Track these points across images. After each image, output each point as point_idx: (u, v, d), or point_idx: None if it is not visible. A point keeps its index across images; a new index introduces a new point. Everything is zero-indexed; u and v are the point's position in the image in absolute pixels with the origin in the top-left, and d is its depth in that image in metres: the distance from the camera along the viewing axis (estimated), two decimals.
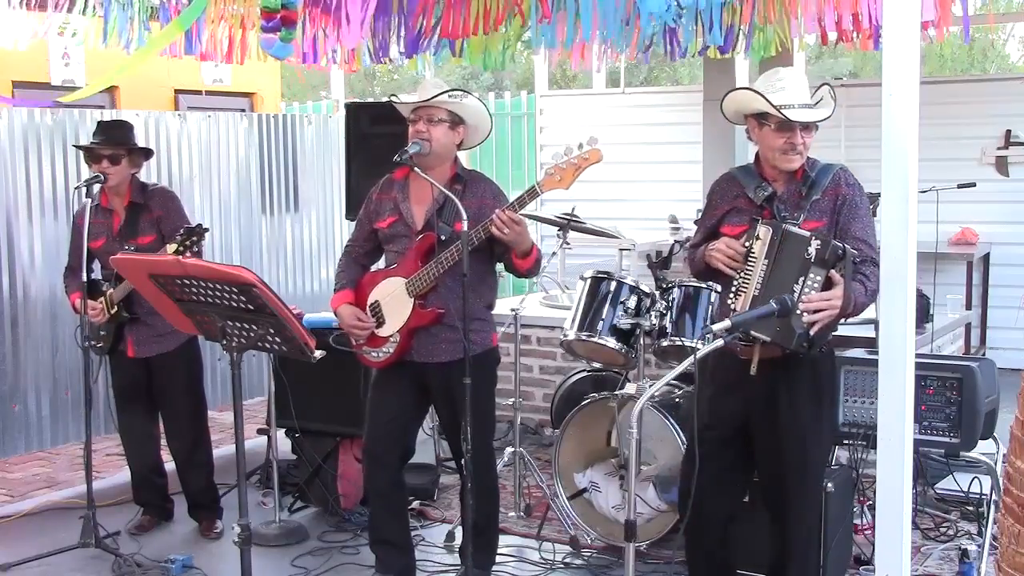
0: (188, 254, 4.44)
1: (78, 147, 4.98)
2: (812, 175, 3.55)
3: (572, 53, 5.73)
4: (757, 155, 3.68)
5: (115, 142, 4.79)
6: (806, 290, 3.31)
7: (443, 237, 3.96)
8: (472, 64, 6.02)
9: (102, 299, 4.77)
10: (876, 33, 4.67)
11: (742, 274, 3.45)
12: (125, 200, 4.84)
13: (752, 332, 3.30)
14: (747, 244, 3.47)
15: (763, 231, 3.43)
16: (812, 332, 3.32)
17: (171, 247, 4.49)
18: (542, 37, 5.47)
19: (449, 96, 3.96)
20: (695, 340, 4.39)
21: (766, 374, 3.41)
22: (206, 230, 4.57)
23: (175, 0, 5.69)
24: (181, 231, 4.53)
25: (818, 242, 3.32)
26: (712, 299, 4.47)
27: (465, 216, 3.76)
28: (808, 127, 3.49)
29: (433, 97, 3.94)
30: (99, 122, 5.01)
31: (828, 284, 3.32)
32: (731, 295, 3.48)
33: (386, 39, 5.62)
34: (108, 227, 4.83)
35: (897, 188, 2.92)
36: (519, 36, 5.69)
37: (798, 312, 3.27)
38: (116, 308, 4.74)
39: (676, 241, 5.74)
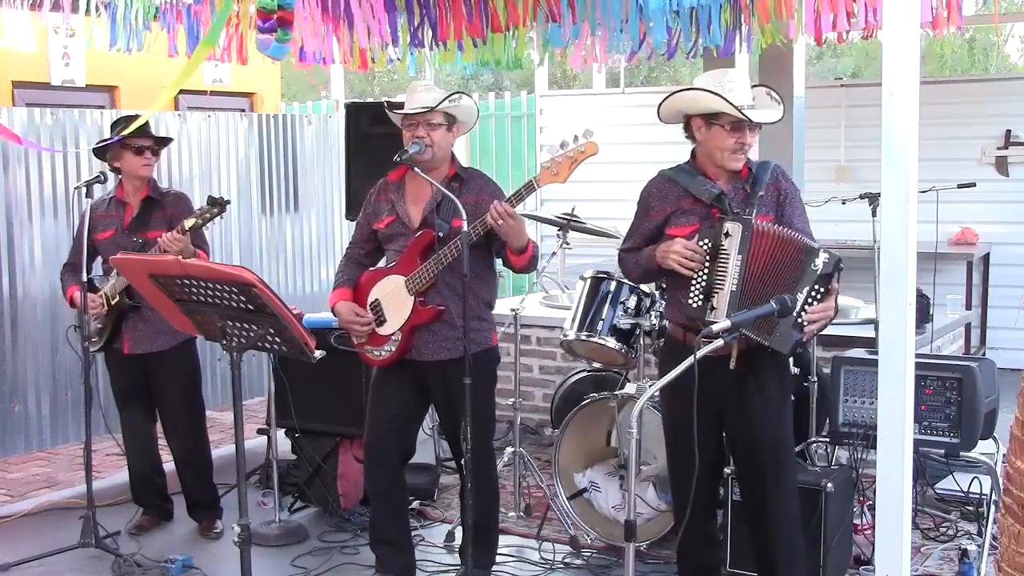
0: (206, 227, 4.54)
1: (123, 137, 4.73)
2: (754, 172, 3.61)
3: (576, 54, 5.72)
4: (693, 154, 3.69)
5: (149, 135, 4.82)
6: (810, 301, 3.36)
7: (441, 234, 3.97)
8: (500, 68, 6.00)
9: (101, 293, 4.77)
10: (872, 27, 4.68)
11: (716, 272, 3.46)
12: (142, 194, 4.85)
13: (748, 334, 3.31)
14: (703, 243, 3.48)
15: (732, 227, 3.46)
16: (804, 339, 3.40)
17: (189, 221, 4.51)
18: (550, 38, 5.48)
19: (450, 101, 3.98)
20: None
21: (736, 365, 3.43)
22: (227, 202, 4.58)
23: (177, 2, 5.71)
24: (205, 201, 4.55)
25: (826, 256, 3.37)
26: None
27: (464, 213, 3.76)
28: (755, 127, 3.55)
29: (439, 104, 3.96)
30: (126, 118, 5.00)
31: (826, 294, 3.38)
32: (694, 295, 3.49)
33: (396, 36, 5.62)
34: (119, 219, 4.84)
35: (897, 188, 2.91)
36: (523, 38, 5.68)
37: (800, 321, 3.30)
38: (118, 297, 4.74)
39: None
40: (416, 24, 5.53)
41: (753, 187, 3.58)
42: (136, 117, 4.99)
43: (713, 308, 3.44)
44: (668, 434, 3.81)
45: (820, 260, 3.36)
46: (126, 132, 4.63)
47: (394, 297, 4.05)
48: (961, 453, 4.25)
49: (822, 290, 3.36)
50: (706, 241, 3.49)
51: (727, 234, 3.45)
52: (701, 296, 3.49)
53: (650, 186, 3.75)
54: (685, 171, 3.67)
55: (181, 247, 4.45)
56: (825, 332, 4.75)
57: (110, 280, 4.79)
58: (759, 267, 3.43)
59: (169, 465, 5.15)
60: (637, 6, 5.04)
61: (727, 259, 3.44)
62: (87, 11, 5.64)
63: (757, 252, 3.42)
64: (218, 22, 4.27)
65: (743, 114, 3.48)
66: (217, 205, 4.51)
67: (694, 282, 3.51)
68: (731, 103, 3.47)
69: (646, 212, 3.73)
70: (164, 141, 5.03)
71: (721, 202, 3.55)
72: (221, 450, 5.56)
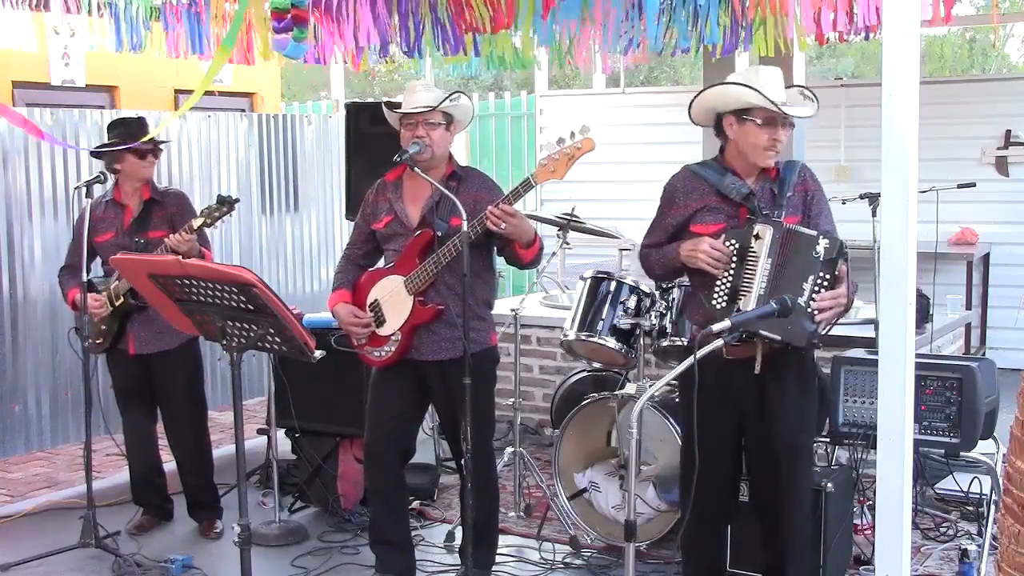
0: (215, 226, 4.55)
1: (110, 146, 4.79)
2: (781, 172, 3.58)
3: (578, 52, 5.72)
4: (722, 151, 3.66)
5: (152, 138, 4.83)
6: (816, 289, 3.33)
7: (439, 233, 3.97)
8: (498, 68, 5.99)
9: (103, 293, 4.77)
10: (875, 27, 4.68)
11: (743, 275, 3.43)
12: (143, 195, 4.85)
13: (762, 332, 3.29)
14: (730, 244, 3.45)
15: (763, 230, 3.42)
16: (821, 329, 3.36)
17: (197, 221, 4.51)
18: (542, 34, 5.47)
19: (450, 101, 3.98)
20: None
21: (752, 368, 3.41)
22: (237, 200, 4.57)
23: (176, 1, 5.71)
24: (215, 200, 4.56)
25: (826, 241, 3.34)
26: None
27: (464, 212, 3.76)
28: (787, 124, 3.51)
29: (439, 104, 3.96)
30: (139, 118, 5.00)
31: (834, 281, 3.35)
32: (717, 296, 3.47)
33: (387, 39, 5.62)
34: (119, 221, 4.83)
35: (897, 188, 2.91)
36: (527, 37, 5.68)
37: (810, 311, 3.28)
38: (122, 299, 4.74)
39: None
40: (422, 31, 5.53)
41: (781, 187, 3.54)
42: (135, 118, 5.01)
43: (739, 311, 3.38)
44: (685, 438, 3.80)
45: (821, 247, 3.33)
46: (146, 139, 4.65)
47: (393, 297, 4.05)
48: (961, 453, 4.24)
49: (828, 277, 3.33)
50: (733, 242, 3.46)
51: (757, 236, 3.41)
52: (726, 298, 3.46)
53: (675, 180, 3.69)
54: (713, 168, 3.62)
55: (189, 247, 4.46)
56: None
57: (112, 281, 4.79)
58: (785, 270, 3.39)
59: (169, 465, 5.15)
60: (633, 4, 5.03)
61: (755, 261, 3.40)
62: (89, 11, 5.64)
63: (785, 256, 3.39)
64: (234, 26, 4.26)
65: (776, 106, 3.44)
66: (226, 204, 4.52)
67: (719, 283, 3.47)
68: (763, 95, 3.44)
69: (669, 207, 3.67)
70: (163, 142, 5.03)
71: (750, 202, 3.52)
72: (221, 450, 5.56)
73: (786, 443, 3.56)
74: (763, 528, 3.72)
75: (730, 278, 3.46)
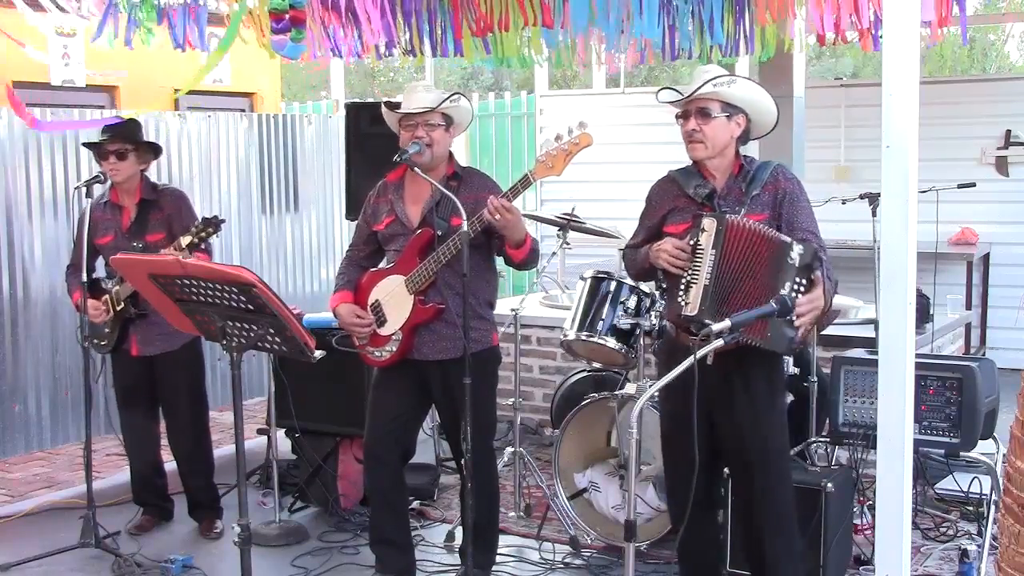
0: (203, 245, 4.52)
1: (87, 144, 4.98)
2: (751, 171, 3.62)
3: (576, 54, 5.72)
4: None
5: (122, 138, 4.80)
6: (794, 295, 3.33)
7: (440, 232, 3.97)
8: (503, 66, 5.98)
9: (105, 297, 4.77)
10: (876, 33, 4.68)
11: (694, 268, 3.46)
12: (136, 197, 4.84)
13: (744, 339, 3.29)
14: (692, 241, 3.50)
15: (707, 223, 3.46)
16: (800, 334, 3.36)
17: (185, 239, 4.50)
18: (546, 39, 5.48)
19: (450, 102, 3.99)
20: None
21: (720, 364, 3.41)
22: (222, 221, 4.57)
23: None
24: (198, 221, 4.55)
25: (800, 247, 3.35)
26: None
27: (463, 212, 3.76)
28: (705, 115, 3.56)
29: (439, 104, 3.97)
30: (129, 120, 5.02)
31: (810, 285, 3.36)
32: (680, 292, 3.49)
33: (392, 37, 5.62)
34: (117, 224, 4.83)
35: (897, 188, 2.92)
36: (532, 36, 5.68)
37: (790, 318, 3.28)
38: (123, 304, 4.74)
39: None
40: (430, 30, 5.53)
41: (748, 186, 3.60)
42: (131, 120, 5.01)
43: (686, 303, 3.44)
44: (662, 432, 3.83)
45: (795, 252, 3.34)
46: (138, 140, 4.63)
47: (394, 297, 4.06)
48: (961, 453, 4.25)
49: (804, 282, 3.35)
50: (690, 239, 3.51)
51: (703, 230, 3.47)
52: (682, 292, 3.50)
53: (655, 184, 3.83)
54: (685, 171, 3.72)
55: None
56: (825, 332, 4.78)
57: (114, 285, 4.78)
58: (733, 263, 3.42)
59: (170, 465, 5.15)
60: (638, 7, 5.03)
61: (702, 255, 3.45)
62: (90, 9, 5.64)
63: (731, 248, 3.42)
64: (231, 27, 4.26)
65: (658, 99, 3.61)
66: (212, 225, 4.52)
67: (683, 280, 3.52)
68: (672, 89, 3.58)
69: (648, 210, 3.80)
70: (149, 148, 4.94)
71: (711, 200, 3.58)
72: (221, 450, 5.56)
73: (754, 442, 3.56)
74: (746, 529, 3.73)
75: (688, 273, 3.50)
